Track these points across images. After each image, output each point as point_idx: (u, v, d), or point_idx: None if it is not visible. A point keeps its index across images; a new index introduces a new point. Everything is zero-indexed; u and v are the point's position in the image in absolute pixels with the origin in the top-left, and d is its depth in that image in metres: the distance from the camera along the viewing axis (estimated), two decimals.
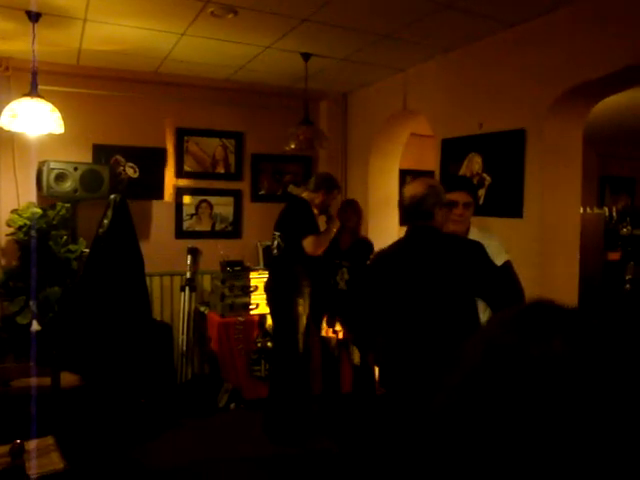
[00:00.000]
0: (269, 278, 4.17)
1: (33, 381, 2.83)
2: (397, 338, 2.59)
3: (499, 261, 2.71)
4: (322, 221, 4.08)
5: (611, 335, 0.56)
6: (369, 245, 4.18)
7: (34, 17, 3.35)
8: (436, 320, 2.46)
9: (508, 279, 2.70)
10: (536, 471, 0.50)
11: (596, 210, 6.73)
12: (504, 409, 0.53)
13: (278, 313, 3.99)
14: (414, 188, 2.58)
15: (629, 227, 6.99)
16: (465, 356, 0.61)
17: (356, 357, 4.07)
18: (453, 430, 0.57)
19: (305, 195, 4.04)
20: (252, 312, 4.74)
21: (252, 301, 4.77)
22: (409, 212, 2.58)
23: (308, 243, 3.77)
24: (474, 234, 2.85)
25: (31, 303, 3.99)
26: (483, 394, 0.55)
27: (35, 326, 3.97)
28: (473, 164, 3.80)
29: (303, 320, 3.87)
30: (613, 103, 4.56)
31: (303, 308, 3.87)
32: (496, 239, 2.85)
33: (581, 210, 3.88)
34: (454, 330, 2.41)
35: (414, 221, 2.57)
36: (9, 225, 4.21)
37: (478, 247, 2.52)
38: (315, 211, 3.99)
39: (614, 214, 7.10)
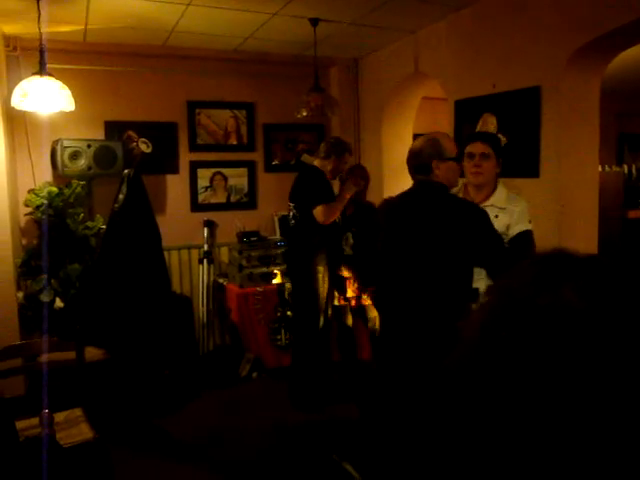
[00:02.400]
0: (287, 249, 4.19)
1: (58, 356, 2.89)
2: (387, 292, 2.66)
3: (516, 229, 2.67)
4: (337, 187, 4.07)
5: (625, 285, 0.54)
6: (373, 210, 4.15)
7: None
8: (420, 277, 2.47)
9: (516, 249, 2.61)
10: (548, 419, 0.50)
11: (615, 168, 6.61)
12: (516, 362, 0.52)
13: (297, 283, 4.02)
14: (415, 142, 2.60)
15: None
16: (481, 308, 0.60)
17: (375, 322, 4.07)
18: (469, 385, 0.57)
19: (317, 163, 4.02)
20: (271, 282, 4.78)
21: (270, 271, 4.81)
22: (409, 165, 2.57)
23: (318, 212, 3.76)
24: (501, 194, 2.77)
25: (53, 281, 4.06)
26: (496, 346, 0.54)
27: (58, 303, 4.05)
28: (487, 125, 3.74)
29: (324, 289, 3.89)
30: (631, 57, 4.43)
31: (322, 277, 3.88)
32: (522, 206, 2.75)
33: (599, 168, 3.81)
34: (437, 289, 2.42)
35: (415, 175, 2.56)
36: (27, 205, 4.25)
37: (476, 211, 2.47)
38: (329, 177, 3.97)
39: (634, 172, 6.98)
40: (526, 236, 2.68)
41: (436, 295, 2.43)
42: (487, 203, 2.72)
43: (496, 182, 2.81)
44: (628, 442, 0.48)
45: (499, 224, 2.62)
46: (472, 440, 0.56)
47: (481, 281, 2.52)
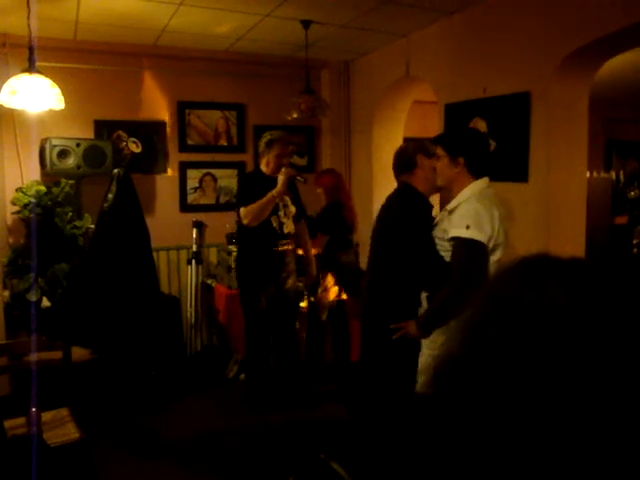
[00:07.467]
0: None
1: (45, 355, 2.87)
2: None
3: (450, 234, 2.37)
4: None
5: (608, 281, 0.55)
6: (337, 208, 4.23)
7: None
8: (372, 277, 2.72)
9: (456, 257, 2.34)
10: (538, 410, 0.51)
11: (603, 174, 6.67)
12: (505, 358, 0.53)
13: (239, 286, 4.08)
14: (400, 146, 2.80)
15: (637, 190, 6.95)
16: (469, 310, 0.61)
17: None
18: (460, 382, 0.57)
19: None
20: None
21: None
22: (395, 166, 2.69)
23: (241, 215, 3.78)
24: (461, 197, 2.43)
25: (40, 280, 4.02)
26: (485, 344, 0.56)
27: (45, 302, 4.01)
28: (477, 129, 3.76)
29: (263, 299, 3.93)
30: (620, 64, 4.48)
31: (261, 280, 3.91)
32: (466, 209, 2.36)
33: (588, 174, 3.85)
34: (381, 288, 2.65)
35: (399, 175, 2.67)
36: (15, 204, 4.22)
37: (406, 210, 2.57)
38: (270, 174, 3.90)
39: (621, 178, 7.06)
40: (455, 244, 2.34)
41: (380, 296, 2.64)
42: (446, 208, 2.51)
43: (467, 184, 2.45)
44: (618, 427, 0.49)
45: (439, 229, 2.48)
46: (463, 438, 0.56)
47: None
